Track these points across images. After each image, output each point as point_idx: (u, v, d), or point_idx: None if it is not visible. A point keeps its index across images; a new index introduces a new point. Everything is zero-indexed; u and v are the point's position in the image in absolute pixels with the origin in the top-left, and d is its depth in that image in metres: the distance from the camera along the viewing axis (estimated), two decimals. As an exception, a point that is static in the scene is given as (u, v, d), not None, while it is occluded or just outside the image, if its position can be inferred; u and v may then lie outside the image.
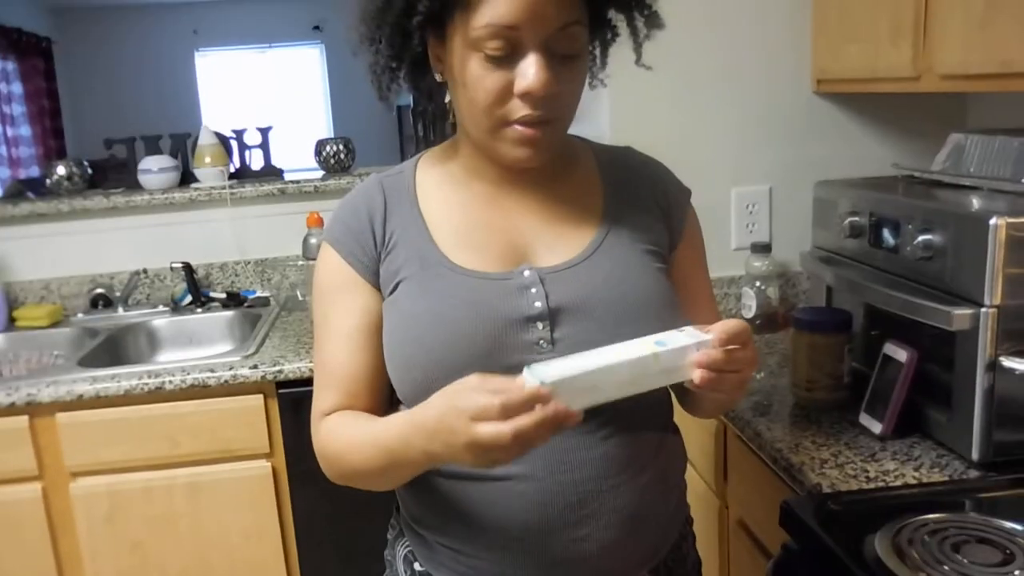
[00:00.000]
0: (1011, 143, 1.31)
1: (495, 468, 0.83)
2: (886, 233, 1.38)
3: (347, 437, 0.98)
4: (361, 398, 1.01)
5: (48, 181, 2.57)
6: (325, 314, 1.03)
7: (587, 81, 1.01)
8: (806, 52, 1.92)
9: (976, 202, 1.27)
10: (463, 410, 0.80)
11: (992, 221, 1.14)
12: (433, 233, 1.01)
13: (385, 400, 1.03)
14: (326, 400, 1.02)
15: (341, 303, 1.02)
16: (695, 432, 1.54)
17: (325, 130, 8.19)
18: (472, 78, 0.92)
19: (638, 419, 0.98)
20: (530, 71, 0.89)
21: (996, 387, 1.17)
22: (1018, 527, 1.00)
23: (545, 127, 0.93)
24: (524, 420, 0.77)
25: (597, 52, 1.02)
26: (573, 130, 1.03)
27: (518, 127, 0.92)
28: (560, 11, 0.89)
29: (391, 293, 1.00)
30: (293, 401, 1.93)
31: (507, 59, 0.90)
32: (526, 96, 0.90)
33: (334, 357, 1.02)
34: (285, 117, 7.46)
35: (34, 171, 6.67)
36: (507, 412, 0.77)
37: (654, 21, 0.99)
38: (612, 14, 0.99)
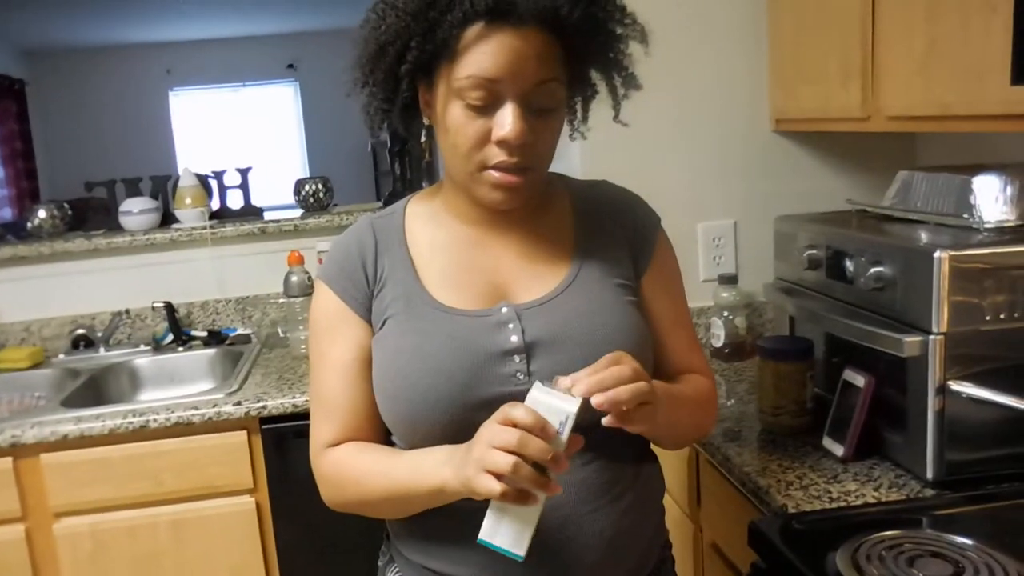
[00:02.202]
0: (954, 180, 1.39)
1: (482, 488, 0.87)
2: (842, 265, 1.45)
3: (362, 466, 1.03)
4: (361, 430, 1.06)
5: (29, 224, 2.59)
6: (321, 349, 1.08)
7: (568, 133, 1.08)
8: (764, 93, 2.01)
9: (923, 236, 1.34)
10: (489, 421, 0.88)
11: (936, 254, 1.21)
12: (420, 272, 1.06)
13: (382, 430, 1.07)
14: (326, 431, 1.06)
15: (337, 338, 1.07)
16: (669, 459, 1.58)
17: (300, 167, 8.21)
18: (454, 124, 0.98)
19: (616, 446, 1.03)
20: (507, 121, 0.96)
21: (946, 410, 1.24)
22: (968, 541, 1.06)
23: (520, 173, 0.99)
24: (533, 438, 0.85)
25: (579, 107, 1.08)
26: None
27: (494, 172, 0.99)
28: (539, 68, 0.96)
29: (380, 328, 1.05)
30: (276, 437, 1.96)
31: (487, 108, 0.96)
32: (502, 143, 0.97)
33: (332, 389, 1.06)
34: (261, 155, 7.49)
35: (6, 213, 6.64)
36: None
37: (631, 82, 1.06)
38: (593, 74, 1.06)
